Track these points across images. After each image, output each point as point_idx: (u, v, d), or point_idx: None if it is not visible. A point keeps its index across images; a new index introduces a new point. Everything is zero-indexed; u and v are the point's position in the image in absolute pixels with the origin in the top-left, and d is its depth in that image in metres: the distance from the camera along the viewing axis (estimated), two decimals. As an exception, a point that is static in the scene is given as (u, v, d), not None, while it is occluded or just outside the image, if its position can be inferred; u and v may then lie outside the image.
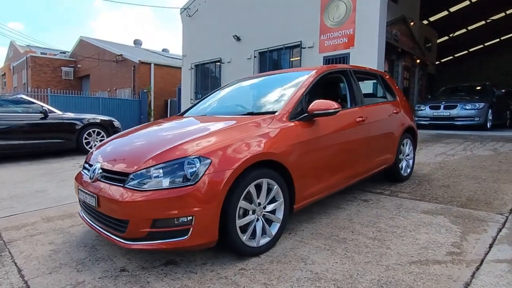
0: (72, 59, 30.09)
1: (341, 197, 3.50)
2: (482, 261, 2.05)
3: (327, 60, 10.08)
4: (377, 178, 4.15)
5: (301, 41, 10.72)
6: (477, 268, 1.97)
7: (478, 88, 9.92)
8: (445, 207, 3.10)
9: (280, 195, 2.35)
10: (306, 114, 2.59)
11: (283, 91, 2.91)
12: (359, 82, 4.61)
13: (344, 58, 9.64)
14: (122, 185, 2.03)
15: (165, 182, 1.95)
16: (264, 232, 2.28)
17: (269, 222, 2.34)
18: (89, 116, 7.15)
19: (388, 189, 3.75)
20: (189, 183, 1.93)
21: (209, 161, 1.99)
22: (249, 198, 2.17)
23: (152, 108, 19.55)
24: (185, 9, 15.76)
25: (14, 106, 6.41)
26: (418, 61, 12.76)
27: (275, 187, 2.29)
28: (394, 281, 1.87)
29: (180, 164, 1.98)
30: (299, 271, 2.01)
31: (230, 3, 13.32)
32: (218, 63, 14.11)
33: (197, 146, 2.08)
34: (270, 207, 2.30)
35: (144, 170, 2.01)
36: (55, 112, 6.64)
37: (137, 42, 32.91)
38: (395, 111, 3.79)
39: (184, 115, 3.40)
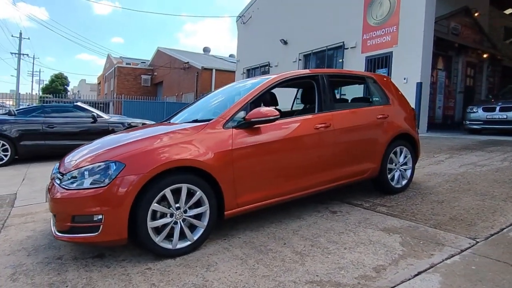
0: (150, 68, 33.35)
1: (312, 206, 3.38)
2: (388, 288, 1.84)
3: (369, 61, 9.51)
4: (370, 188, 3.87)
5: (343, 42, 10.30)
6: (374, 296, 1.78)
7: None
8: (413, 225, 2.78)
9: (205, 201, 2.41)
10: (243, 122, 2.60)
11: (237, 98, 2.94)
12: (347, 86, 4.34)
13: (387, 58, 8.99)
14: (59, 183, 2.34)
15: (87, 183, 2.20)
16: (184, 236, 2.37)
17: (193, 226, 2.42)
18: (131, 120, 7.95)
19: (370, 201, 3.48)
20: (101, 185, 2.14)
21: (123, 165, 2.17)
22: (167, 202, 2.29)
23: (211, 112, 20.57)
24: (240, 17, 16.35)
25: (71, 112, 7.48)
26: (485, 56, 11.14)
27: (198, 192, 2.37)
28: (273, 297, 1.81)
29: (99, 167, 2.22)
30: (193, 276, 2.06)
31: (279, 8, 13.43)
32: (267, 67, 14.31)
33: (118, 152, 2.29)
34: (193, 212, 2.39)
35: (74, 171, 2.28)
36: (102, 117, 7.56)
37: (206, 49, 35.01)
38: (380, 116, 3.49)
39: (169, 121, 3.63)
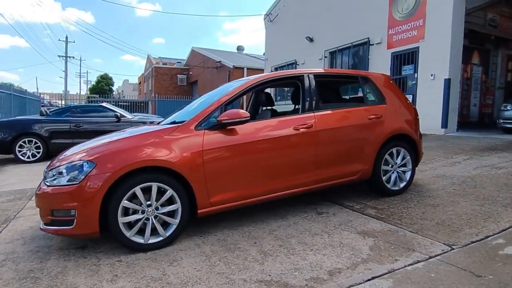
0: (186, 67, 34.39)
1: (302, 206, 3.37)
2: (333, 292, 1.82)
3: (395, 57, 9.11)
4: (367, 190, 3.75)
5: (368, 38, 9.95)
6: (316, 298, 1.77)
7: None
8: (394, 229, 2.68)
9: (177, 199, 2.51)
10: (216, 123, 2.67)
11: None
12: (332, 87, 4.17)
13: (413, 53, 8.55)
14: (44, 180, 2.56)
15: (64, 180, 2.39)
16: (157, 232, 2.49)
17: (166, 223, 2.54)
18: (154, 119, 8.31)
19: (363, 203, 3.38)
20: (74, 183, 2.32)
21: (94, 165, 2.34)
22: (138, 199, 2.42)
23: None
24: (267, 15, 16.35)
25: (97, 112, 7.99)
26: (529, 49, 10.18)
27: (169, 191, 2.48)
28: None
29: (73, 166, 2.40)
30: (155, 270, 2.17)
31: (305, 5, 13.25)
32: (294, 65, 14.20)
33: (92, 152, 2.46)
34: (165, 209, 2.50)
35: (55, 169, 2.49)
36: (125, 116, 7.99)
37: (239, 48, 35.41)
38: (373, 116, 3.37)
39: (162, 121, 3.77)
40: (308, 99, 3.16)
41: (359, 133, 3.30)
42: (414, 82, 8.62)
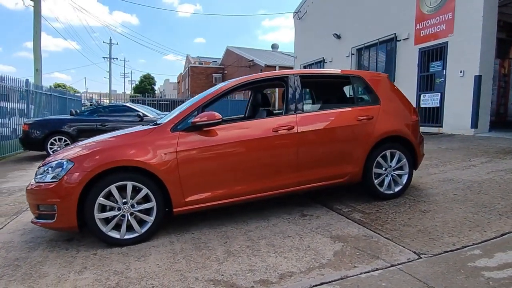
0: (221, 66, 35.03)
1: (289, 208, 3.36)
2: (275, 295, 1.82)
3: (423, 53, 8.62)
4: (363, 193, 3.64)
5: (395, 34, 9.50)
6: (255, 300, 1.79)
7: None
8: (370, 234, 2.60)
9: (152, 198, 2.63)
10: (191, 125, 2.75)
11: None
12: (323, 87, 4.03)
13: (442, 49, 8.03)
14: (34, 177, 2.80)
15: (48, 178, 2.60)
16: (133, 228, 2.63)
17: (143, 220, 2.66)
18: (174, 119, 8.62)
19: (352, 207, 3.29)
20: (56, 180, 2.52)
21: (72, 164, 2.52)
22: (114, 197, 2.57)
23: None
24: (296, 12, 16.18)
25: (122, 112, 8.45)
26: None
27: (143, 190, 2.60)
28: (165, 290, 1.95)
29: (55, 165, 2.60)
30: (121, 264, 2.30)
31: (332, 1, 12.94)
32: (321, 63, 13.94)
33: (74, 151, 2.66)
34: (141, 207, 2.62)
35: (44, 166, 2.72)
36: (148, 116, 8.36)
37: (274, 46, 35.43)
38: (363, 117, 3.26)
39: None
40: (293, 100, 3.13)
41: (346, 135, 3.21)
42: (443, 79, 8.12)
